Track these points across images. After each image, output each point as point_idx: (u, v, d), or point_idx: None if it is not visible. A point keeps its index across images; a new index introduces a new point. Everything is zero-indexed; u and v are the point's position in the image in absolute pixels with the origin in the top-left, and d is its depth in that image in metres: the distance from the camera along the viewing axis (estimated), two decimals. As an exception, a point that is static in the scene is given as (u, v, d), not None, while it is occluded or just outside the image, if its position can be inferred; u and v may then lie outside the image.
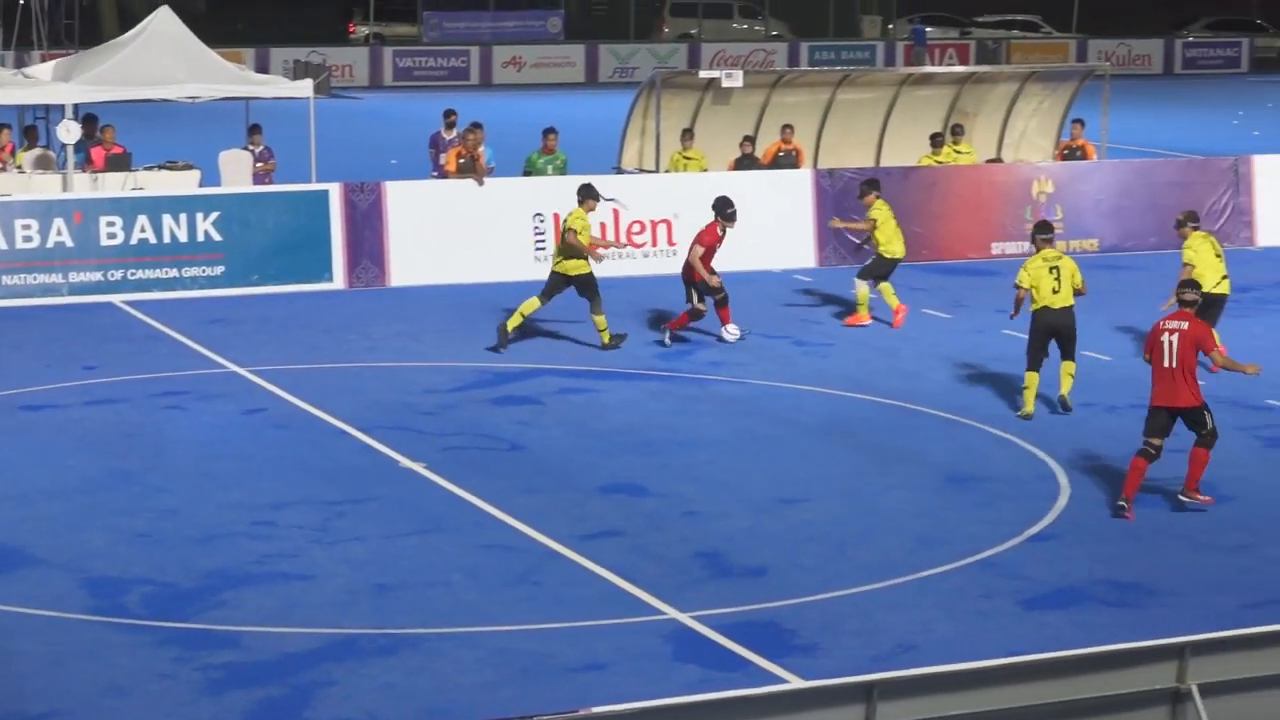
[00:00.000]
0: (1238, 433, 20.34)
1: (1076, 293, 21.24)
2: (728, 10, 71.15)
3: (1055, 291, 21.06)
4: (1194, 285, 18.27)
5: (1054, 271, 21.14)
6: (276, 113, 34.14)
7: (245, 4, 70.97)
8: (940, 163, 32.03)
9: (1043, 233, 21.64)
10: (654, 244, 29.28)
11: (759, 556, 16.25)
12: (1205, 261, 22.69)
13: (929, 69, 43.86)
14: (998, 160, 34.77)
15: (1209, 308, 23.25)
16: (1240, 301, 27.30)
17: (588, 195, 24.27)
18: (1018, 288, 21.25)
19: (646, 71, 49.83)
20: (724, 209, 24.32)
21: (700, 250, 24.06)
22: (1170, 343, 17.42)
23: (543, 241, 28.64)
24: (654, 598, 15.18)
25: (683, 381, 22.46)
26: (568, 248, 23.96)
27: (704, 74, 34.92)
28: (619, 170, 32.82)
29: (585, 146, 35.86)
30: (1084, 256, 30.64)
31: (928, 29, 68.57)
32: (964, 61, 65.45)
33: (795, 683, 12.99)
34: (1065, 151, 33.79)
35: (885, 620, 14.77)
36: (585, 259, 23.94)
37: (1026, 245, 30.58)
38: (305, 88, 31.19)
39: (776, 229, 29.79)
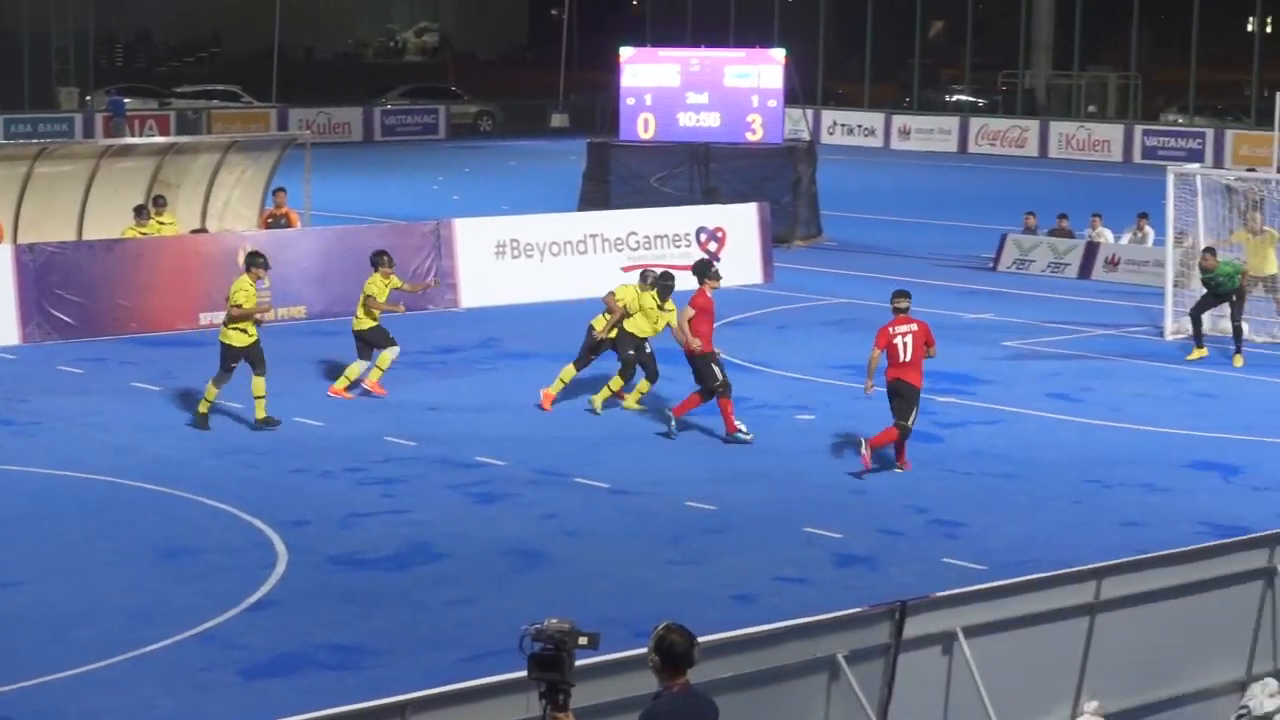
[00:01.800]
0: (449, 490, 20.88)
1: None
2: (-85, 83, 68.50)
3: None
4: (905, 294, 22.17)
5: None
6: None
7: None
8: (145, 234, 31.68)
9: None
10: None
11: (-31, 646, 15.65)
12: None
13: (129, 140, 43.37)
14: (203, 230, 34.67)
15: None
16: (446, 362, 28.08)
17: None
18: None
19: None
20: (706, 270, 23.83)
21: (690, 312, 23.20)
22: (905, 343, 21.57)
23: None
24: None
25: (-120, 469, 21.44)
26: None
27: (-109, 147, 33.52)
28: None
29: None
30: (292, 324, 30.91)
31: (126, 100, 67.71)
32: (165, 132, 64.89)
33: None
34: (270, 220, 33.99)
35: (105, 700, 14.47)
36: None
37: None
38: None
39: (-24, 306, 28.80)
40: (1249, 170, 39.72)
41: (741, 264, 36.06)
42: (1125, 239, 37.95)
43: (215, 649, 15.71)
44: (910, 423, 21.77)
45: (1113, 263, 36.93)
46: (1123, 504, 20.66)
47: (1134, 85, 69.70)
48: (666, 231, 35.66)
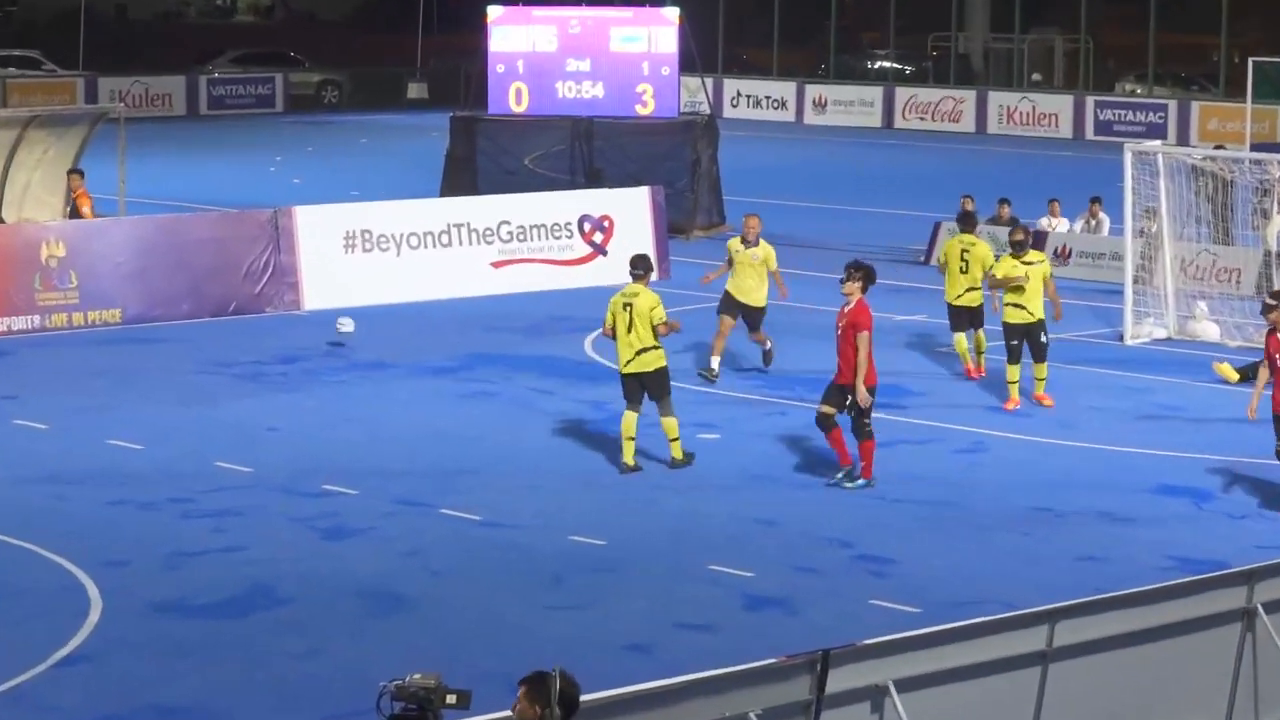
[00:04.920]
0: (292, 524, 20.80)
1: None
2: None
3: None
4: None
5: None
6: None
7: None
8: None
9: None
10: None
11: None
12: None
13: (-91, 113, 42.84)
14: (-2, 220, 34.42)
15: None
16: (286, 374, 27.98)
17: (647, 269, 23.40)
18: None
19: None
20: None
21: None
22: None
23: None
24: None
25: None
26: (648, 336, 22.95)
27: None
28: None
29: None
30: (106, 330, 30.69)
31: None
32: (-50, 105, 64.34)
33: None
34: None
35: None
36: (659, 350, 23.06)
37: (38, 319, 30.34)
38: None
39: None
40: (1218, 148, 40.18)
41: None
42: (1077, 227, 38.27)
43: (21, 712, 15.60)
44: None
45: (1063, 255, 37.22)
46: (1078, 535, 20.82)
47: (1085, 50, 70.29)
48: (544, 220, 35.62)
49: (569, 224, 35.92)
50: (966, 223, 28.93)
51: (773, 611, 18.36)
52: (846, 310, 22.29)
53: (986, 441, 24.64)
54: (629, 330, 22.86)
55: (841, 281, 22.50)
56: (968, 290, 27.91)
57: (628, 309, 22.89)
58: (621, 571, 19.49)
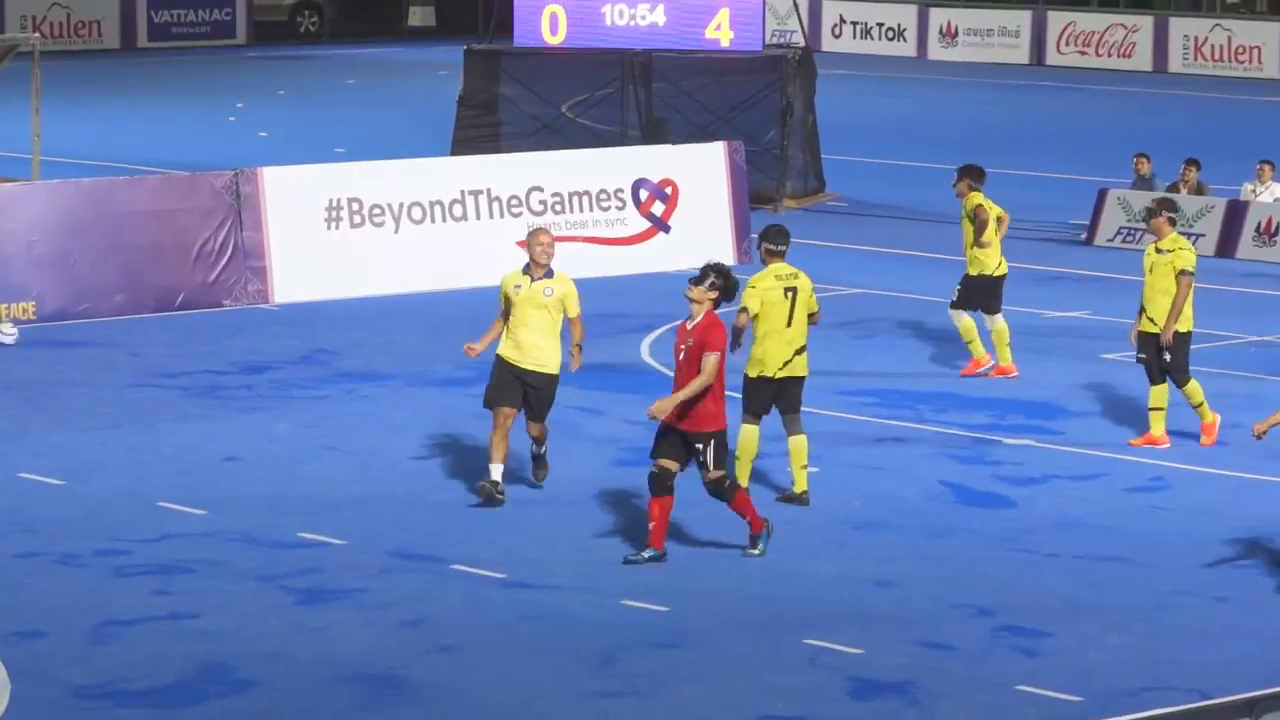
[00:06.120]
0: (258, 584, 20.77)
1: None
2: None
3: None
4: None
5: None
6: None
7: None
8: None
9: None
10: None
11: None
12: None
13: None
14: (-124, 185, 34.57)
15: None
16: (251, 386, 28.03)
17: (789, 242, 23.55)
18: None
19: None
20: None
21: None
22: None
23: None
24: None
25: None
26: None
27: None
28: None
29: None
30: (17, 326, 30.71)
31: None
32: None
33: None
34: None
35: None
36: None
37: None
38: None
39: None
40: None
41: (702, 234, 36.02)
42: (1285, 196, 38.18)
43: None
44: None
45: (1268, 232, 37.14)
46: (1289, 601, 20.78)
47: (1297, -38, 70.29)
48: (588, 186, 35.63)
49: (620, 191, 35.92)
50: (977, 176, 28.73)
51: (889, 700, 18.33)
52: (692, 326, 21.53)
53: (1169, 476, 24.56)
54: (789, 323, 22.84)
55: (692, 283, 21.61)
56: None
57: (790, 295, 22.87)
58: (690, 648, 19.44)
